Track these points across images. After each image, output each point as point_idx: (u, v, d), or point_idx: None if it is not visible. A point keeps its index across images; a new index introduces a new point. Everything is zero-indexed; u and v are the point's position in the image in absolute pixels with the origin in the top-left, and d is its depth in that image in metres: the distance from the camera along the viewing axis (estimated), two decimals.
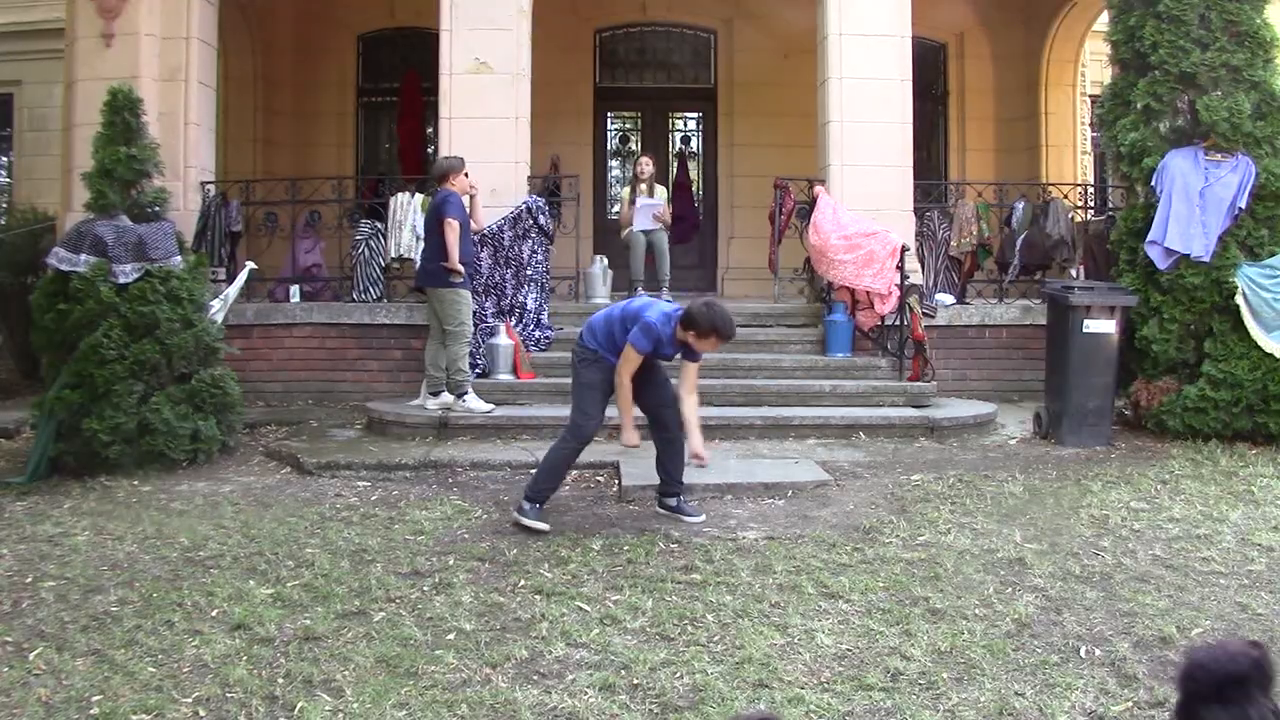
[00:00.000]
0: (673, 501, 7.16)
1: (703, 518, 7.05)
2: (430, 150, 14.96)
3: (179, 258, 9.00)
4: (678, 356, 7.01)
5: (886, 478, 8.21)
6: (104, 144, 9.01)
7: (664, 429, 7.11)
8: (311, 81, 15.89)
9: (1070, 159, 15.64)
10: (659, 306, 6.96)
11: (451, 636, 5.08)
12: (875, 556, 6.29)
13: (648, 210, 12.47)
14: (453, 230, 9.44)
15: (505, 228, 10.83)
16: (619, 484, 7.81)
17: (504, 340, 10.28)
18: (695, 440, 6.92)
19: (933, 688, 4.52)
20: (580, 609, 5.44)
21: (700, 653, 4.87)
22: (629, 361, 6.83)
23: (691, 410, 6.97)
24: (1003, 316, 11.64)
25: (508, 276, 10.83)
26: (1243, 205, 9.51)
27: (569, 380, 10.11)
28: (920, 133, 12.93)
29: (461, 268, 9.52)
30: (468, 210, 9.87)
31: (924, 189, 12.55)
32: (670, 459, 7.14)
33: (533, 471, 7.96)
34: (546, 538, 6.63)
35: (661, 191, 12.84)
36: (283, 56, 15.73)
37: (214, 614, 5.39)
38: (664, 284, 12.31)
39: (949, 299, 11.83)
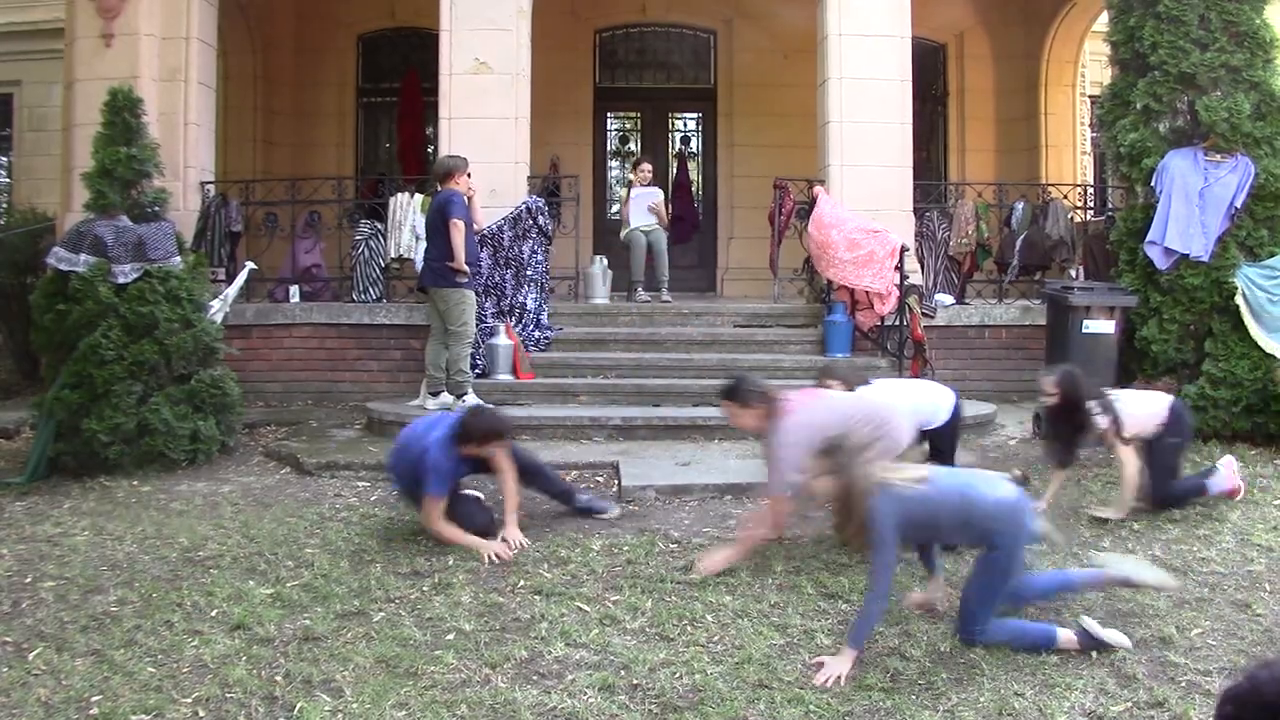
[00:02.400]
0: (584, 499, 7.19)
1: (616, 511, 7.14)
2: (430, 150, 14.97)
3: (178, 258, 9.00)
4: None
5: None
6: (104, 144, 9.01)
7: (531, 480, 7.05)
8: (311, 81, 15.90)
9: (1070, 159, 15.65)
10: (436, 434, 6.53)
11: (451, 637, 5.08)
12: None
13: (643, 201, 12.46)
14: (458, 231, 9.44)
15: (505, 228, 10.83)
16: (619, 484, 7.80)
17: (504, 340, 10.28)
18: (512, 529, 6.55)
19: (932, 688, 4.52)
20: (580, 609, 5.44)
21: (700, 653, 4.87)
22: (431, 514, 6.46)
23: (511, 496, 6.69)
24: (1002, 317, 11.64)
25: (508, 277, 10.83)
26: (1241, 205, 9.51)
27: (569, 380, 10.19)
28: (920, 133, 12.94)
29: (466, 268, 9.53)
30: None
31: (924, 189, 12.56)
32: (550, 486, 7.14)
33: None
34: (546, 538, 6.62)
35: (659, 191, 12.84)
36: (283, 56, 15.73)
37: (213, 614, 5.39)
38: (663, 284, 12.32)
39: (948, 299, 11.84)
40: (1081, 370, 7.52)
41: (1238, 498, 7.40)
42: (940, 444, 7.23)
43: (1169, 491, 7.21)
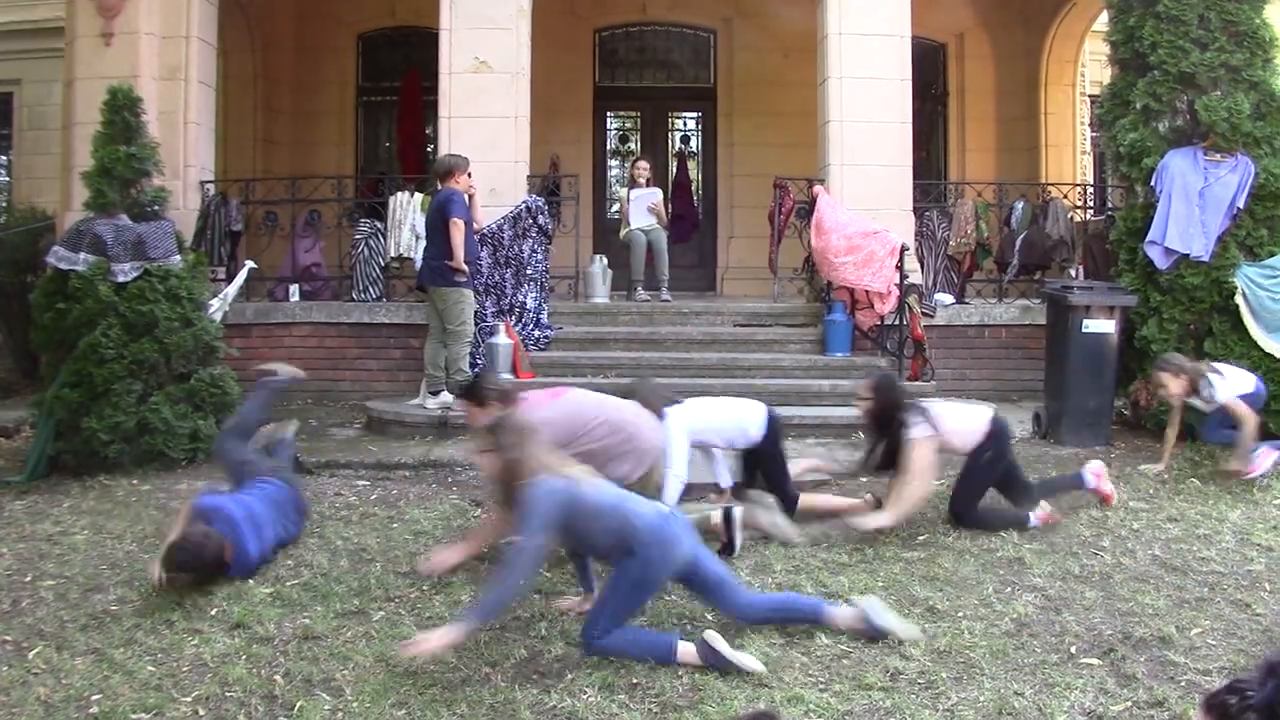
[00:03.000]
0: None
1: None
2: (430, 150, 14.96)
3: (178, 257, 8.99)
4: None
5: (886, 477, 8.19)
6: (103, 143, 9.00)
7: None
8: (311, 80, 15.89)
9: (1070, 159, 15.65)
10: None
11: None
12: (874, 556, 6.30)
13: (643, 201, 12.47)
14: (458, 229, 9.44)
15: (505, 227, 10.83)
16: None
17: (503, 340, 10.27)
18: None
19: (932, 687, 4.52)
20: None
21: None
22: None
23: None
24: (1002, 316, 11.63)
25: (507, 276, 10.83)
26: (1241, 205, 9.51)
27: (568, 379, 10.14)
28: (920, 132, 12.94)
29: (466, 267, 9.53)
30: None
31: (923, 189, 12.56)
32: None
33: None
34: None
35: (658, 191, 12.85)
36: (283, 55, 15.73)
37: (213, 613, 5.39)
38: (663, 283, 12.31)
39: (948, 299, 11.83)
40: (1081, 369, 7.62)
41: (1111, 504, 7.22)
42: (761, 462, 7.19)
43: (971, 513, 6.90)
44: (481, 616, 4.68)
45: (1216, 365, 8.25)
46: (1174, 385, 8.01)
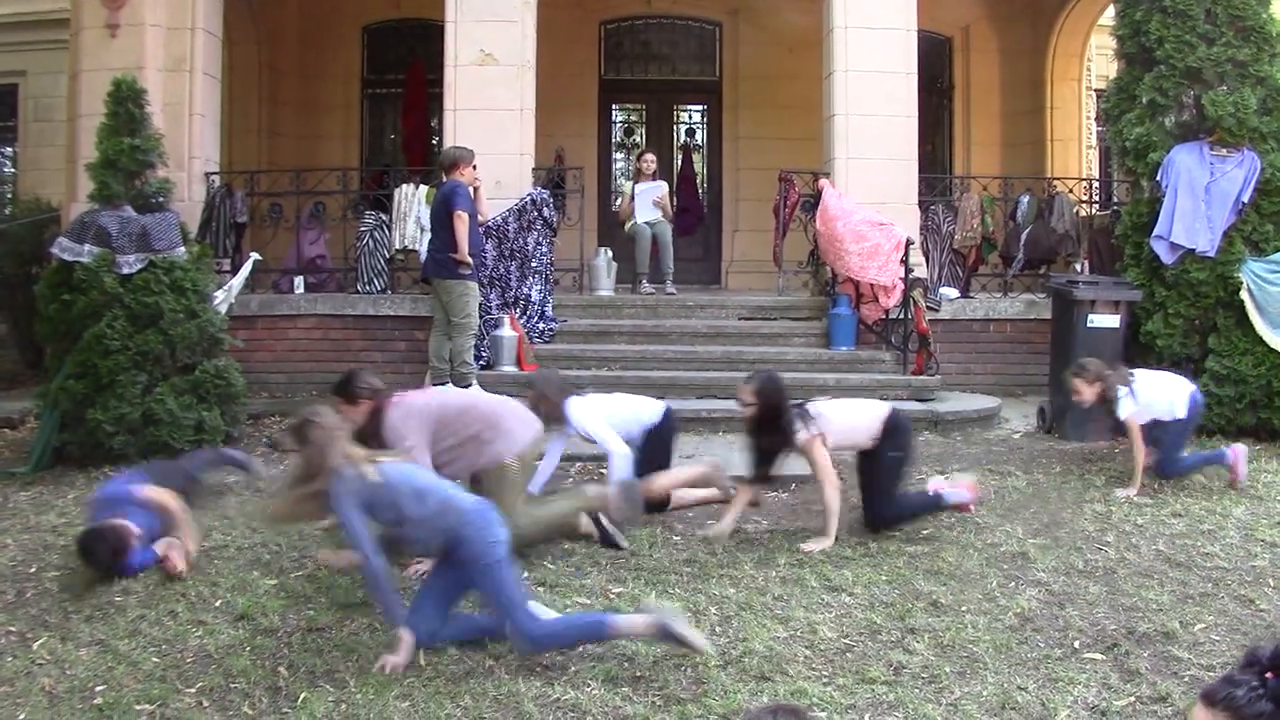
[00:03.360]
0: None
1: None
2: (435, 142, 14.95)
3: (183, 248, 8.99)
4: None
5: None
6: (108, 135, 9.00)
7: None
8: (316, 73, 15.88)
9: (1075, 153, 15.60)
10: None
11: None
12: (878, 550, 6.30)
13: (648, 195, 12.46)
14: (463, 222, 9.44)
15: (510, 220, 10.83)
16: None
17: (508, 332, 10.28)
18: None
19: (935, 681, 4.52)
20: (582, 601, 5.45)
21: None
22: None
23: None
24: (1007, 311, 11.62)
25: (512, 268, 10.82)
26: (1247, 200, 9.49)
27: (573, 372, 10.18)
28: (925, 126, 12.90)
29: (470, 259, 9.53)
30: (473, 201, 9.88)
31: (929, 183, 12.54)
32: None
33: (536, 463, 8.04)
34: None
35: (663, 185, 12.83)
36: (287, 47, 15.71)
37: (218, 604, 5.40)
38: (667, 276, 12.30)
39: (953, 293, 11.82)
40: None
41: (970, 512, 6.89)
42: (651, 452, 7.18)
43: (888, 511, 6.66)
44: (397, 616, 4.75)
45: (1140, 376, 7.78)
46: (1087, 393, 7.70)
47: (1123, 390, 7.56)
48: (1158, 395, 7.70)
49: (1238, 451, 7.79)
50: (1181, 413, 7.71)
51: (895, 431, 6.63)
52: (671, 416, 7.32)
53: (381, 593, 4.77)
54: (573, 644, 4.78)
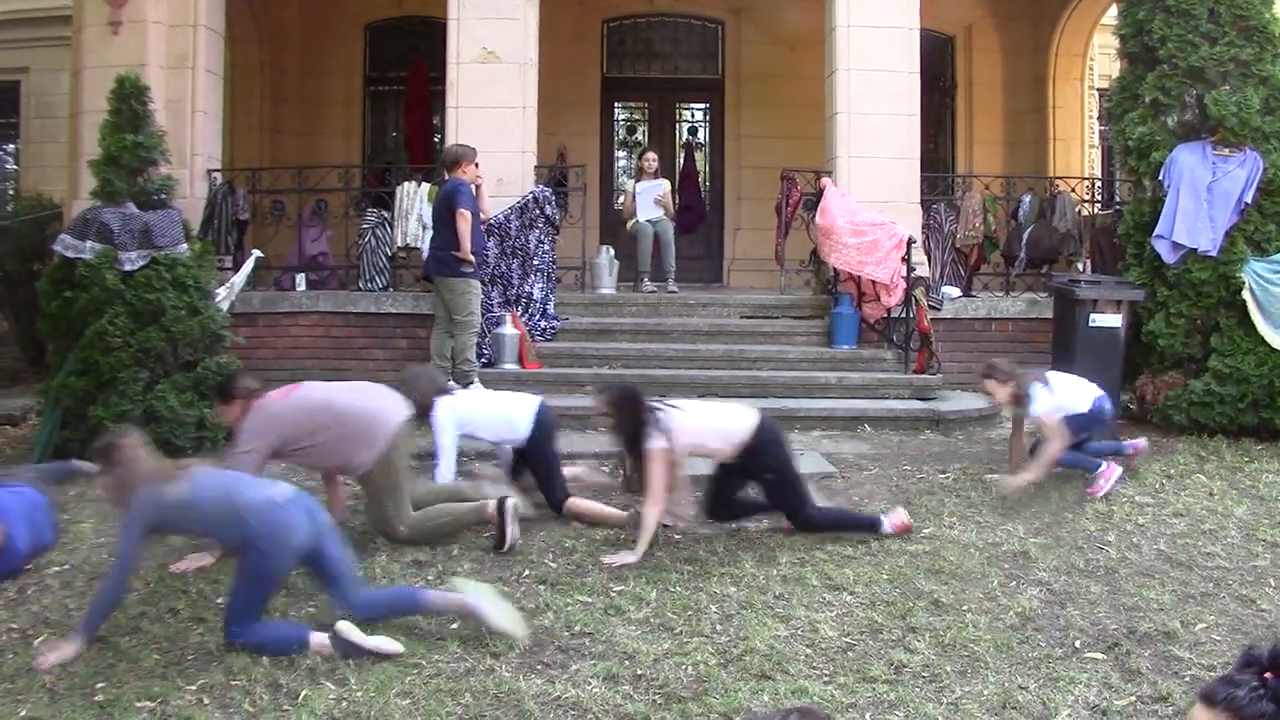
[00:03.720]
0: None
1: None
2: (437, 140, 14.95)
3: (185, 245, 8.99)
4: None
5: (891, 470, 8.21)
6: (111, 131, 8.99)
7: None
8: (318, 70, 15.87)
9: (1078, 152, 15.59)
10: None
11: (455, 626, 5.08)
12: (879, 549, 6.30)
13: (650, 194, 12.45)
14: (466, 221, 9.44)
15: (512, 217, 10.83)
16: (624, 474, 7.80)
17: (510, 330, 10.28)
18: None
19: (936, 680, 4.52)
20: (584, 600, 5.45)
21: (704, 643, 4.87)
22: None
23: None
24: (1009, 310, 11.61)
25: (514, 266, 10.83)
26: (1249, 200, 9.49)
27: (575, 370, 10.20)
28: (928, 125, 12.90)
29: (473, 257, 9.53)
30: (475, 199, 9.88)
31: (931, 181, 12.54)
32: None
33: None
34: (550, 528, 6.62)
35: (665, 183, 12.83)
36: (290, 45, 15.71)
37: (218, 601, 5.39)
38: (669, 275, 12.30)
39: (955, 292, 11.81)
40: (1088, 363, 7.57)
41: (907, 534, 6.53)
42: (530, 460, 7.09)
43: (814, 515, 6.47)
44: (87, 629, 4.78)
45: (1052, 376, 7.73)
46: (999, 393, 7.64)
47: (1036, 386, 7.45)
48: (1066, 395, 7.62)
49: (1137, 446, 8.14)
50: (1084, 407, 7.63)
51: (762, 444, 6.36)
52: (546, 420, 7.10)
53: (97, 612, 4.81)
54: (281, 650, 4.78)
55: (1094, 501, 7.28)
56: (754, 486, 6.61)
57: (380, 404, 6.42)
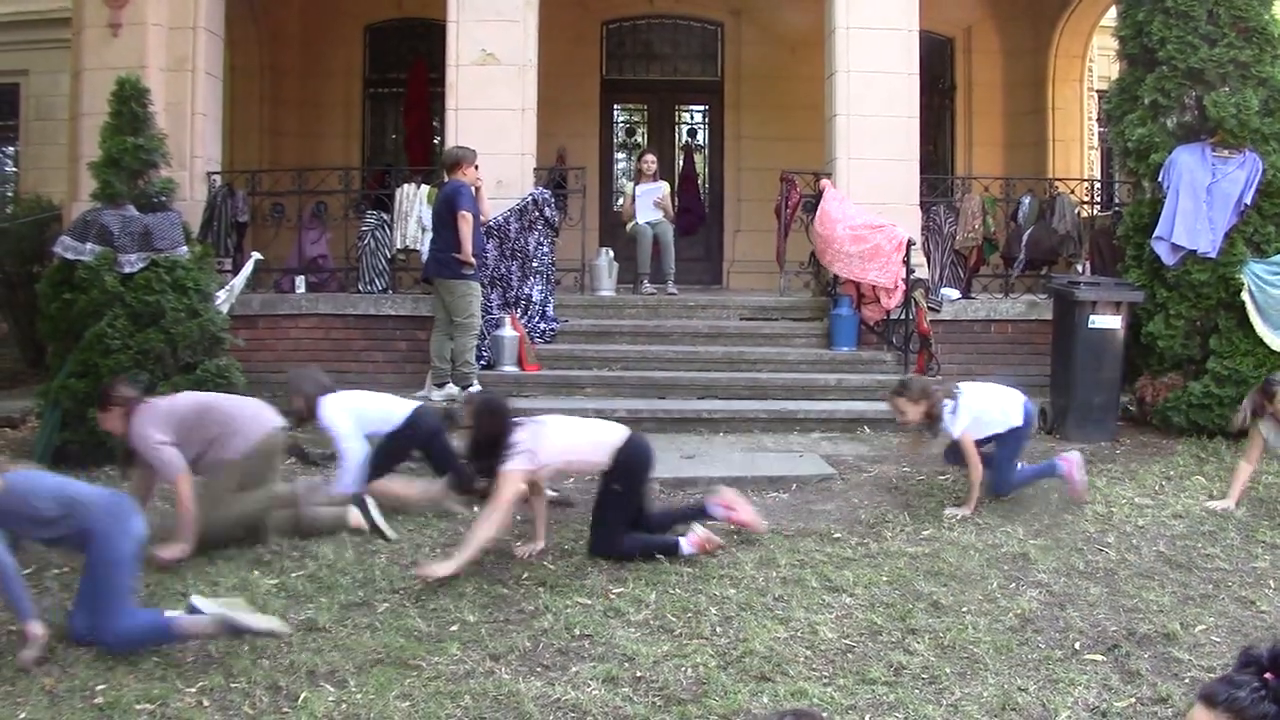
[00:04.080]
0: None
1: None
2: (437, 141, 14.95)
3: (185, 248, 8.99)
4: None
5: (891, 471, 8.22)
6: (111, 134, 8.99)
7: None
8: (318, 72, 15.88)
9: (1077, 154, 15.60)
10: None
11: (455, 628, 5.09)
12: (879, 550, 6.30)
13: (649, 196, 12.46)
14: (467, 223, 9.45)
15: (511, 219, 10.83)
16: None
17: (509, 332, 10.28)
18: None
19: (936, 682, 4.52)
20: (583, 602, 5.45)
21: (703, 645, 4.87)
22: None
23: None
24: (1008, 311, 11.61)
25: (513, 268, 10.83)
26: (1249, 201, 9.49)
27: (574, 372, 10.20)
28: (927, 127, 12.90)
29: (474, 260, 9.53)
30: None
31: (930, 183, 12.54)
32: None
33: None
34: (550, 529, 6.62)
35: (664, 186, 12.83)
36: (289, 47, 15.72)
37: (219, 603, 5.39)
38: (669, 277, 12.30)
39: (955, 294, 11.81)
40: (1087, 365, 7.50)
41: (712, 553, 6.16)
42: (427, 454, 7.25)
43: (605, 544, 6.09)
44: (24, 610, 4.78)
45: (969, 390, 7.23)
46: (912, 412, 7.06)
47: (949, 405, 6.98)
48: (989, 406, 7.20)
49: (1071, 461, 7.26)
50: (1017, 419, 7.20)
51: (625, 461, 6.06)
52: (417, 421, 7.18)
53: (7, 589, 4.79)
54: (145, 645, 4.80)
55: (1093, 503, 7.27)
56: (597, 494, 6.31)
57: (258, 412, 6.60)
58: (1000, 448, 7.23)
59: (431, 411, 7.43)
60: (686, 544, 6.09)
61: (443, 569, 5.65)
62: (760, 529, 6.45)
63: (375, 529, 6.48)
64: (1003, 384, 7.61)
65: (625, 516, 6.15)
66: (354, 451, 6.85)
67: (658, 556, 6.03)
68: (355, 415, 7.03)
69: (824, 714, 4.15)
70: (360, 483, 6.77)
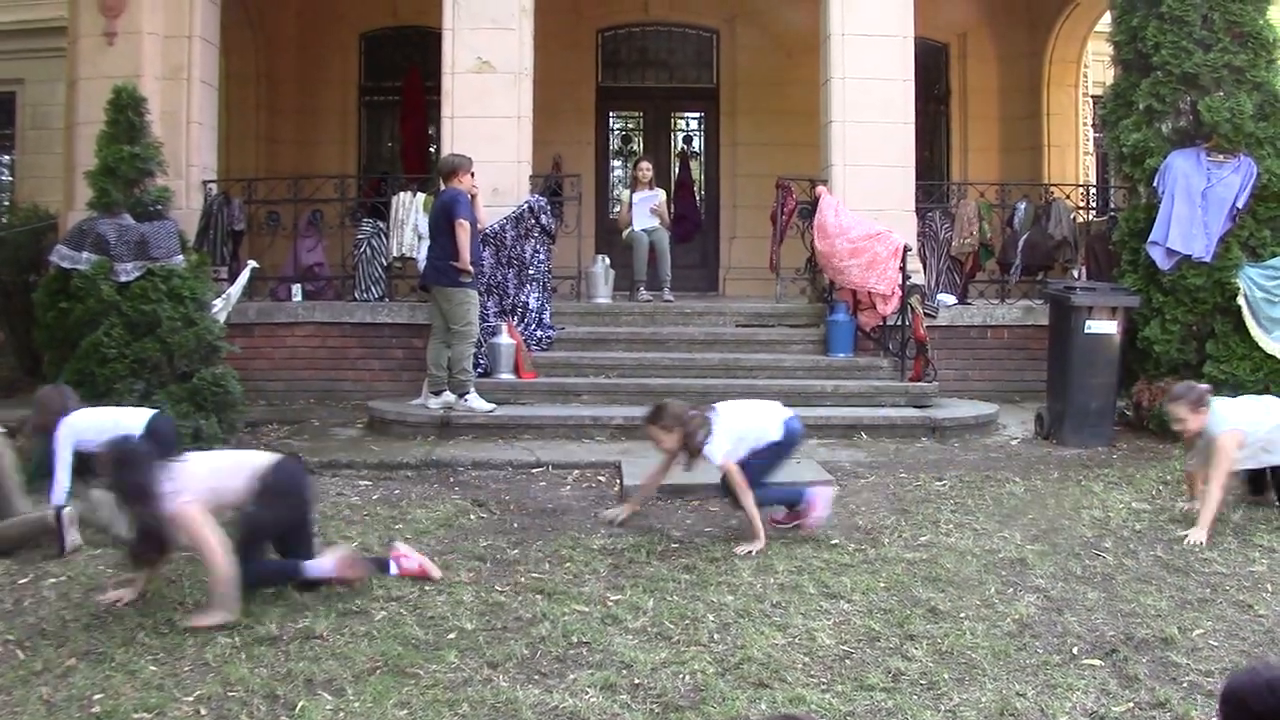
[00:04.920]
0: None
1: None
2: (433, 149, 14.96)
3: (181, 256, 9.00)
4: None
5: (888, 478, 8.22)
6: (107, 142, 9.01)
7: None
8: (314, 80, 15.90)
9: (1073, 159, 15.66)
10: None
11: (453, 636, 5.08)
12: (876, 556, 6.29)
13: (646, 204, 12.47)
14: (465, 230, 9.44)
15: (508, 227, 10.84)
16: (620, 484, 7.81)
17: (506, 340, 10.28)
18: None
19: (934, 688, 4.51)
20: (581, 609, 5.44)
21: (701, 652, 4.86)
22: None
23: None
24: (1005, 317, 11.63)
25: (510, 276, 10.83)
26: (1243, 206, 9.51)
27: (571, 380, 10.20)
28: (922, 133, 12.94)
29: (471, 268, 9.54)
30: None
31: (926, 189, 12.56)
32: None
33: (534, 471, 8.06)
34: (548, 537, 6.62)
35: (660, 193, 12.85)
36: (285, 55, 15.74)
37: None
38: (665, 284, 12.31)
39: (951, 299, 11.83)
40: (1083, 370, 7.44)
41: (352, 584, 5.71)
42: None
43: (243, 572, 5.37)
44: None
45: (724, 409, 6.79)
46: (667, 440, 6.62)
47: (703, 431, 6.52)
48: (749, 425, 6.76)
49: (817, 496, 6.77)
50: (776, 435, 6.74)
51: (266, 490, 5.52)
52: (165, 428, 6.84)
53: None
54: None
55: (1090, 508, 7.28)
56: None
57: None
58: (753, 458, 6.69)
59: (169, 421, 7.24)
60: (314, 567, 5.66)
61: (129, 594, 5.52)
62: (435, 576, 5.90)
63: (61, 543, 6.39)
64: (762, 404, 7.20)
65: (256, 539, 5.63)
66: (59, 481, 6.73)
67: (292, 583, 5.65)
68: (82, 431, 6.80)
69: (816, 718, 4.15)
70: (63, 496, 6.71)
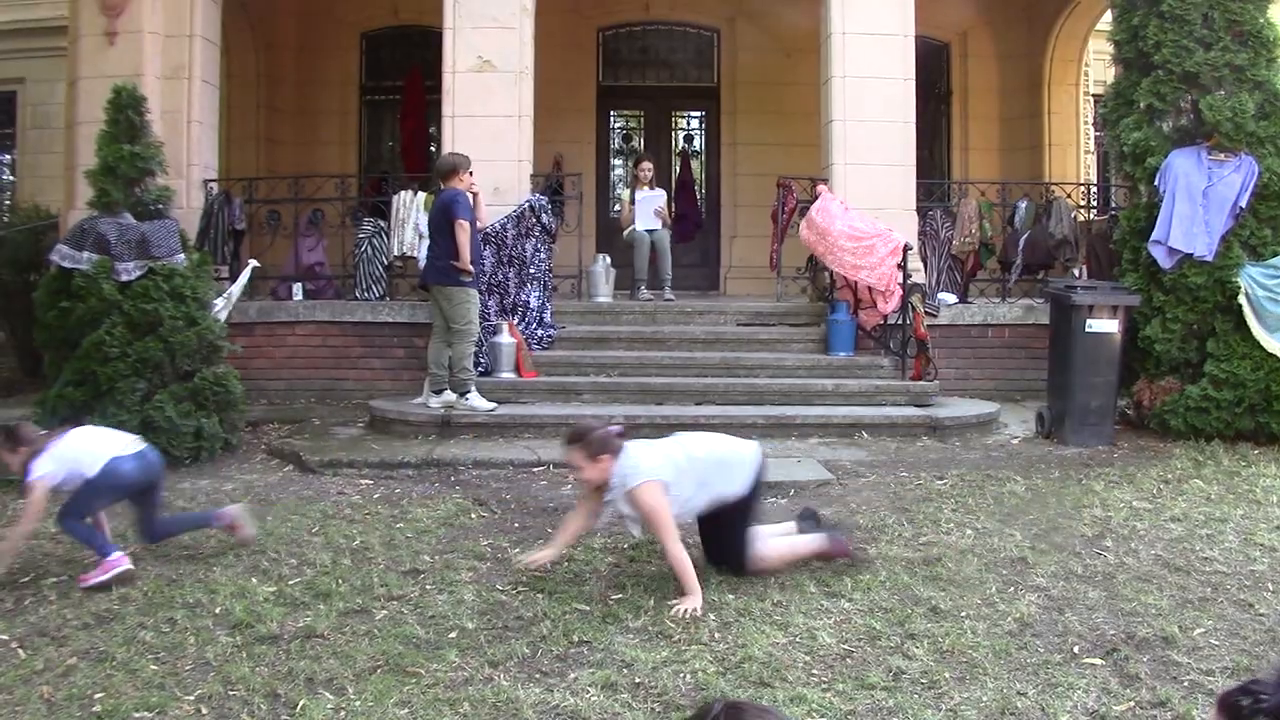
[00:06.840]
0: None
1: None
2: (433, 149, 14.96)
3: (182, 255, 9.00)
4: None
5: (889, 477, 8.22)
6: (107, 142, 9.01)
7: None
8: (314, 79, 15.90)
9: (1073, 158, 15.64)
10: None
11: (454, 635, 5.08)
12: (877, 555, 6.29)
13: (648, 204, 12.48)
14: (465, 230, 9.43)
15: (508, 226, 10.84)
16: None
17: (507, 339, 10.28)
18: None
19: (935, 687, 4.51)
20: (581, 608, 5.44)
21: (702, 651, 4.86)
22: None
23: None
24: (1005, 316, 11.64)
25: (510, 275, 10.83)
26: (1244, 204, 9.51)
27: (572, 379, 10.20)
28: (923, 132, 12.93)
29: (471, 267, 9.53)
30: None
31: (927, 188, 12.56)
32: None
33: (535, 469, 8.05)
34: (549, 536, 6.61)
35: (663, 194, 12.85)
36: (285, 54, 15.74)
37: (216, 611, 5.39)
38: (666, 283, 12.32)
39: (952, 298, 11.84)
40: (1084, 369, 7.43)
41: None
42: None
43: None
44: None
45: (76, 435, 6.17)
46: (12, 460, 5.98)
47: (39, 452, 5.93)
48: (84, 450, 6.06)
49: (228, 514, 6.48)
50: (90, 472, 5.94)
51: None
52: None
53: None
54: None
55: (1091, 507, 7.28)
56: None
57: None
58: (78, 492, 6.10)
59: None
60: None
61: None
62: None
63: None
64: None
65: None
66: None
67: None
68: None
69: (766, 707, 4.15)
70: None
